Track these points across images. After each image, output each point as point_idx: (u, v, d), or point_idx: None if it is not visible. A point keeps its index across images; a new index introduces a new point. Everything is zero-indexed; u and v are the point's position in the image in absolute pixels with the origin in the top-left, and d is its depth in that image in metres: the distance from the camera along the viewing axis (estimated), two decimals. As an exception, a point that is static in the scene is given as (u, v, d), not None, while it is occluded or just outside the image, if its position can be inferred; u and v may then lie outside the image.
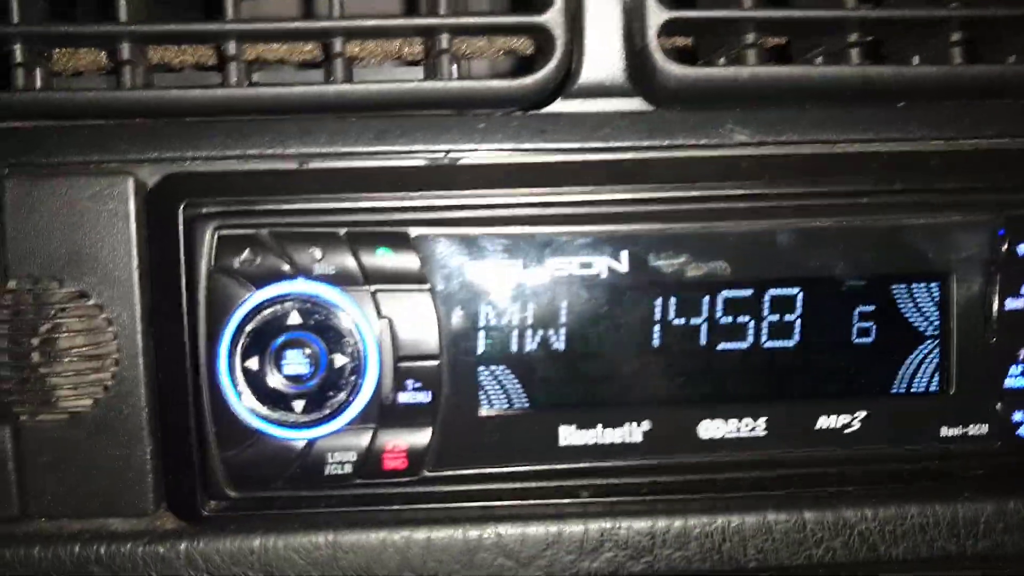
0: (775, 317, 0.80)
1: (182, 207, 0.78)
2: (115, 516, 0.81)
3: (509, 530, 0.82)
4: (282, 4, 1.03)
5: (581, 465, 0.81)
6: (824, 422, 0.82)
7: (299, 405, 0.78)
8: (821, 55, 0.87)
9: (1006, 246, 0.82)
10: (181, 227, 0.78)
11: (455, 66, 0.83)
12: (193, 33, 0.81)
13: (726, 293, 0.80)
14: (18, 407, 0.79)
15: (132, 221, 0.79)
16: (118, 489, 0.81)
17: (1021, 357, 0.83)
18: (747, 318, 0.80)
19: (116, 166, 0.81)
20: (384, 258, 0.78)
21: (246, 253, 0.77)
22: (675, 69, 0.81)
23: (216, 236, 0.77)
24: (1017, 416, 0.84)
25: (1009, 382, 0.84)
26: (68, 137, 0.81)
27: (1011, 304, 0.83)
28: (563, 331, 0.79)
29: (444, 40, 0.82)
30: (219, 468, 0.79)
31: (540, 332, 0.79)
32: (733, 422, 0.81)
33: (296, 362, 0.77)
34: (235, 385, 0.78)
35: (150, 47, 0.83)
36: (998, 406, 0.84)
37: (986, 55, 0.88)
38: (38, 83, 0.81)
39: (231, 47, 0.81)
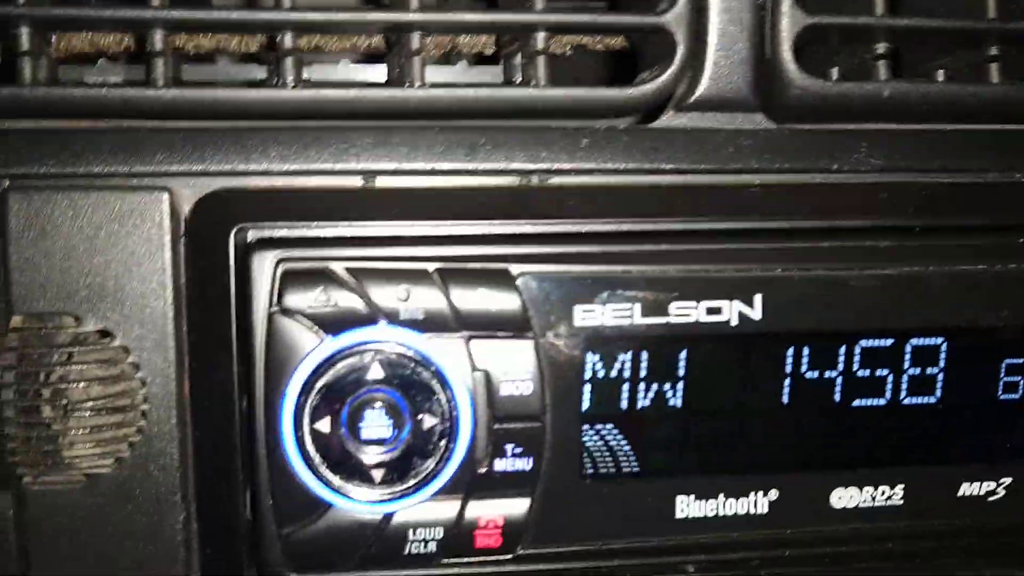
0: (916, 371, 0.71)
1: (233, 232, 0.65)
2: (140, 599, 0.68)
3: (615, 612, 0.71)
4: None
5: (698, 538, 0.70)
6: (966, 489, 0.72)
7: (378, 474, 0.65)
8: (941, 69, 0.78)
9: None
10: (232, 257, 0.65)
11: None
12: (240, 23, 0.68)
13: (864, 343, 0.70)
14: (23, 469, 0.66)
15: (167, 247, 0.66)
16: (143, 566, 0.67)
17: None
18: (886, 371, 0.70)
19: (148, 180, 0.67)
20: (481, 299, 0.66)
21: (316, 291, 0.64)
22: (809, 83, 0.70)
23: (277, 269, 0.64)
24: None
25: None
26: (86, 142, 0.67)
27: None
28: (681, 387, 0.68)
29: (540, 39, 0.70)
30: (275, 545, 0.66)
31: (656, 388, 0.68)
32: (868, 490, 0.71)
33: (377, 424, 0.64)
34: (302, 450, 0.64)
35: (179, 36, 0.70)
36: None
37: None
38: (43, 74, 0.67)
39: (287, 39, 0.68)
